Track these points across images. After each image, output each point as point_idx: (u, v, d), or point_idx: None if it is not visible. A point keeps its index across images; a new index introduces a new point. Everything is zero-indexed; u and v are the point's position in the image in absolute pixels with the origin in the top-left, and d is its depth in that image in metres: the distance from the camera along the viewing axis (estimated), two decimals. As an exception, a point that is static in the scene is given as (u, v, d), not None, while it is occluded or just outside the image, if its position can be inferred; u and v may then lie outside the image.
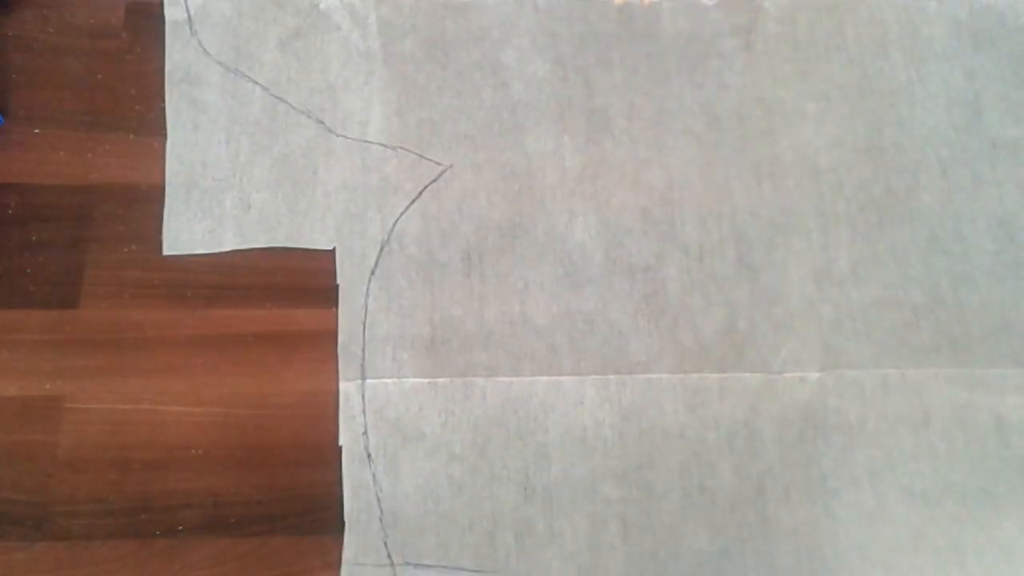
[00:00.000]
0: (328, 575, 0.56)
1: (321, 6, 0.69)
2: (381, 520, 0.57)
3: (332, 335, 0.61)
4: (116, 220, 0.63)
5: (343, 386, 0.60)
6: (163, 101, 0.66)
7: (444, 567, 0.57)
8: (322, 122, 0.66)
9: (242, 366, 0.60)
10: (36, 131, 0.65)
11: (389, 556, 0.57)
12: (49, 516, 0.57)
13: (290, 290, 0.62)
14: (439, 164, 0.66)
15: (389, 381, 0.60)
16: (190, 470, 0.58)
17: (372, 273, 0.63)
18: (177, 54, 0.67)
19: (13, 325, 0.61)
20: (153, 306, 0.61)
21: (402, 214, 0.64)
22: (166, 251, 0.63)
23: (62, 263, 0.62)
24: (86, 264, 0.62)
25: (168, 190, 0.64)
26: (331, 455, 0.58)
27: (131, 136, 0.65)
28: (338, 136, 0.66)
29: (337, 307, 0.62)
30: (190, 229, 0.63)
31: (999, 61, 0.69)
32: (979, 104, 0.68)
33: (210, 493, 0.57)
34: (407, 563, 0.57)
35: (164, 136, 0.65)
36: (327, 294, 0.62)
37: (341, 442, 0.59)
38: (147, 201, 0.63)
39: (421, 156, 0.66)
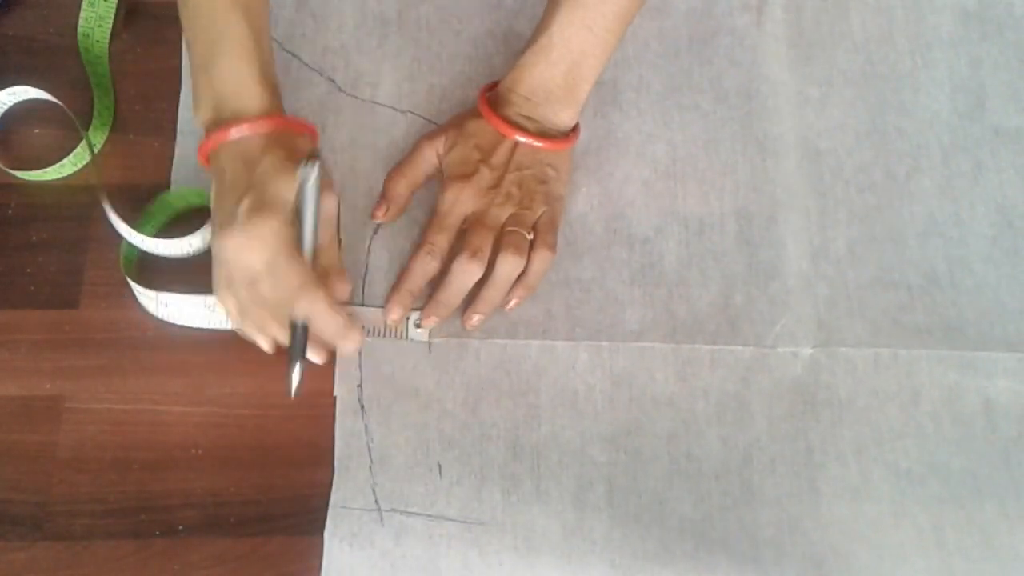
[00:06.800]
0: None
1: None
2: (370, 468, 0.58)
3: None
4: (116, 220, 0.63)
5: (341, 340, 0.61)
6: (164, 101, 0.66)
7: (430, 515, 0.58)
8: (333, 80, 0.67)
9: (242, 366, 0.60)
10: (36, 131, 0.65)
11: (376, 502, 0.57)
12: (49, 516, 0.56)
13: (290, 290, 0.62)
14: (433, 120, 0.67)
15: (386, 338, 0.61)
16: (190, 470, 0.58)
17: (374, 232, 0.64)
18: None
19: (13, 325, 0.60)
20: (153, 306, 0.61)
21: (408, 178, 0.65)
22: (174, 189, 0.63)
23: (62, 263, 0.62)
24: (86, 264, 0.62)
25: (179, 139, 0.65)
26: (331, 455, 0.59)
27: (131, 136, 0.65)
28: (348, 95, 0.67)
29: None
30: (198, 182, 0.64)
31: (1005, 50, 0.70)
32: (983, 92, 0.69)
33: (210, 493, 0.57)
34: (394, 510, 0.57)
35: (164, 136, 0.65)
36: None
37: (336, 392, 0.60)
38: (147, 201, 0.63)
39: (430, 121, 0.67)
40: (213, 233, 0.55)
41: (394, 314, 0.60)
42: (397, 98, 0.68)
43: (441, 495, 0.58)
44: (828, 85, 0.69)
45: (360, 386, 0.60)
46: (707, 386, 0.61)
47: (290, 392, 0.55)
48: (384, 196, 0.64)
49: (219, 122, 0.55)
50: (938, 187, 0.67)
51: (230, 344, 0.60)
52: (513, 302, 0.61)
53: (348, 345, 0.56)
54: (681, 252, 0.64)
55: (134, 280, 0.59)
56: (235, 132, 0.54)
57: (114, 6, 0.67)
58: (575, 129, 0.64)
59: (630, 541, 0.58)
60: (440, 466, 0.59)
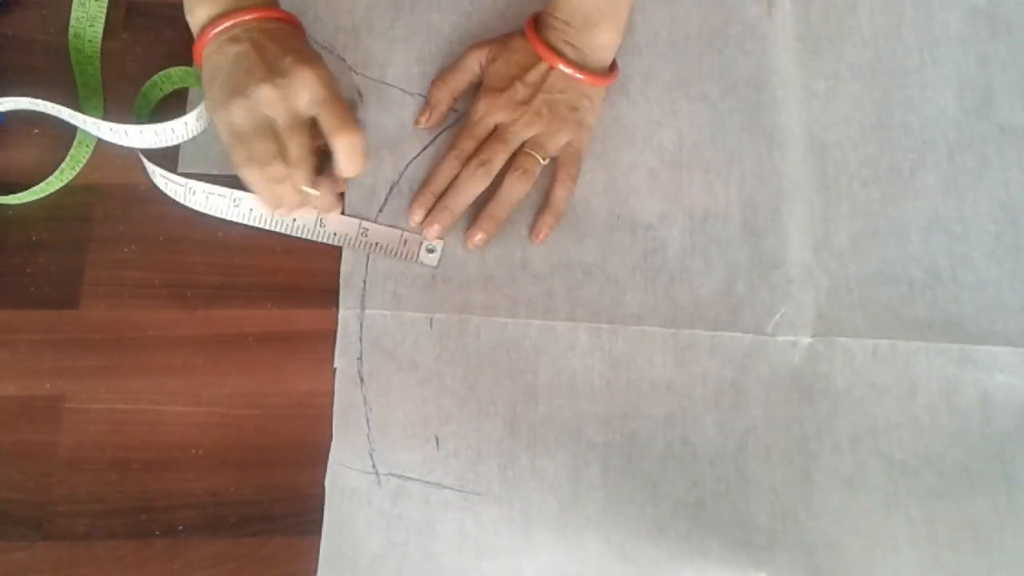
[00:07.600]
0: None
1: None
2: (368, 436, 0.59)
3: (332, 335, 0.61)
4: (116, 220, 0.63)
5: (343, 313, 0.61)
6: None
7: (427, 482, 0.58)
8: (343, 59, 0.68)
9: (242, 366, 0.60)
10: (36, 131, 0.65)
11: (374, 466, 0.58)
12: (49, 516, 0.57)
13: (290, 290, 0.62)
14: (455, 111, 0.67)
15: (387, 313, 0.62)
16: (190, 470, 0.58)
17: (379, 211, 0.64)
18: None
19: (13, 325, 0.60)
20: (153, 306, 0.61)
21: (415, 157, 0.66)
22: (181, 168, 0.64)
23: (62, 263, 0.62)
24: (86, 264, 0.62)
25: (189, 107, 0.65)
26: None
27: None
28: (358, 74, 0.68)
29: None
30: (207, 150, 0.64)
31: (1014, 48, 0.70)
32: (990, 89, 0.69)
33: (210, 493, 0.58)
34: (391, 474, 0.58)
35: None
36: (327, 294, 0.62)
37: (336, 364, 0.60)
38: (147, 201, 0.63)
39: (438, 104, 0.67)
40: (224, 108, 0.56)
41: (416, 215, 0.63)
42: (406, 80, 0.68)
43: (438, 465, 0.58)
44: (835, 79, 0.69)
45: (360, 359, 0.61)
46: (705, 372, 0.61)
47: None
48: (427, 102, 0.66)
49: (229, 13, 0.57)
50: (942, 183, 0.67)
51: (230, 344, 0.60)
52: (543, 233, 0.63)
53: (356, 169, 0.58)
54: (685, 240, 0.65)
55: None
56: (255, 14, 0.57)
57: (105, 6, 0.67)
58: (614, 68, 0.66)
59: (624, 520, 0.58)
60: (438, 439, 0.59)
